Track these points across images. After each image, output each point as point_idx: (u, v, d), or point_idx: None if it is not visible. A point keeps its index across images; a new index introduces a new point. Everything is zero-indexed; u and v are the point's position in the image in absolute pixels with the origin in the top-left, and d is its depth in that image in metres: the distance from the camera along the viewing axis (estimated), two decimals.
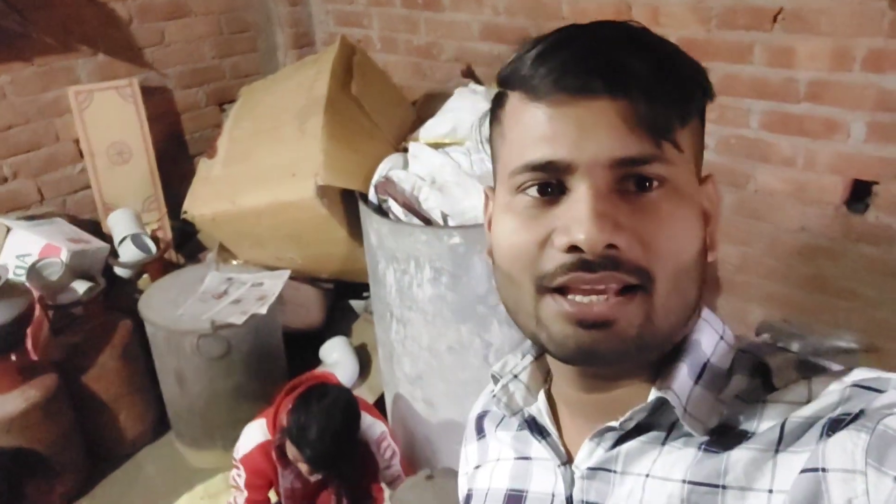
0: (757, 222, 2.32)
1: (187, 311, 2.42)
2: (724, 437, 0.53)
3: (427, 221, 2.06)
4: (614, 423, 0.56)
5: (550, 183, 0.52)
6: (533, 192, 0.53)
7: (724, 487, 0.51)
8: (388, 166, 2.19)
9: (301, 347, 2.75)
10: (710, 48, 2.22)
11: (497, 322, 2.05)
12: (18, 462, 1.65)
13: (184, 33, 3.25)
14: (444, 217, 2.05)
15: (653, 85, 0.49)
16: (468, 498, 0.70)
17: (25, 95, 2.81)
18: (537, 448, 0.63)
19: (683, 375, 0.55)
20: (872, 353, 1.63)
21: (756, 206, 2.31)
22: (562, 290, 0.51)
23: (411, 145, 2.25)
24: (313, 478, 1.83)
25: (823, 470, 0.46)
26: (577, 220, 0.49)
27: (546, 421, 0.62)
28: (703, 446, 0.53)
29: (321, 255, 2.48)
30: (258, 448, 1.91)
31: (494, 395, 0.65)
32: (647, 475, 0.55)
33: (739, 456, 0.51)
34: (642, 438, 0.56)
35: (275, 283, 2.54)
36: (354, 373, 2.67)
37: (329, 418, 1.73)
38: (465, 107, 2.38)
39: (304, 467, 1.78)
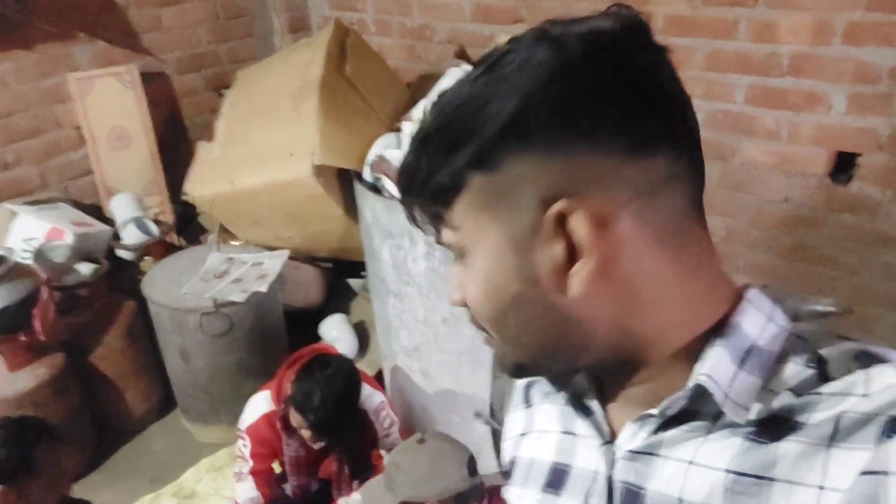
0: (742, 194, 2.38)
1: (190, 290, 2.49)
2: (774, 427, 0.50)
3: None
4: (654, 411, 0.54)
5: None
6: None
7: (771, 480, 0.49)
8: (382, 145, 2.25)
9: (301, 325, 2.83)
10: (696, 25, 2.27)
11: None
12: (27, 429, 1.73)
13: (180, 19, 3.29)
14: None
15: (409, 195, 0.56)
16: (512, 464, 0.71)
17: (26, 82, 2.86)
18: (581, 425, 0.62)
19: (724, 360, 0.52)
20: (848, 315, 1.69)
21: (741, 178, 2.37)
22: None
23: (405, 125, 2.31)
24: (316, 446, 1.90)
25: (885, 473, 0.44)
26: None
27: (591, 399, 0.62)
28: (750, 436, 0.51)
29: (319, 234, 2.55)
30: (263, 418, 1.98)
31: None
32: (690, 462, 0.53)
33: (789, 448, 0.49)
34: (685, 427, 0.54)
35: (274, 262, 2.61)
36: (353, 349, 2.74)
37: (331, 386, 1.81)
38: None
39: (307, 434, 1.86)
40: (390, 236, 2.11)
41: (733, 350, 0.52)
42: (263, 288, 2.47)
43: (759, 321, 0.54)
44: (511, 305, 0.54)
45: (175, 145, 3.30)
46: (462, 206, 0.53)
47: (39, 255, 2.53)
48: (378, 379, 2.53)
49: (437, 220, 0.55)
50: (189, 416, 2.74)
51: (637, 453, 0.56)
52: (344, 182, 2.39)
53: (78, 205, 3.01)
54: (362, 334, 2.83)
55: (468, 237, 0.54)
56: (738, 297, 0.55)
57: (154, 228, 2.92)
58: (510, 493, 0.70)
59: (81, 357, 2.57)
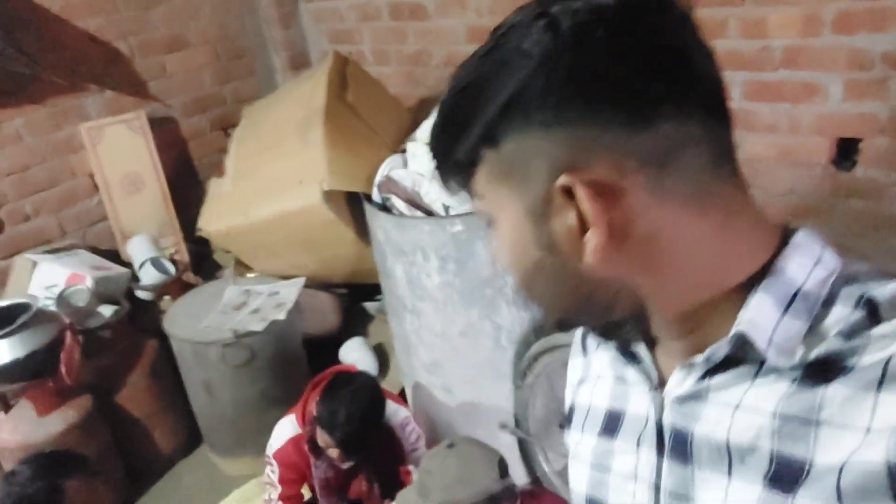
0: None
1: (210, 324, 2.53)
2: (821, 370, 0.50)
3: (429, 214, 2.16)
4: (698, 359, 0.55)
5: None
6: None
7: (817, 422, 0.49)
8: (388, 167, 2.30)
9: (321, 353, 2.85)
10: None
11: (505, 304, 2.14)
12: (59, 463, 1.76)
13: (183, 64, 3.39)
14: (446, 208, 2.14)
15: (438, 170, 0.59)
16: (571, 411, 0.73)
17: (40, 135, 2.94)
18: (631, 372, 0.64)
19: (767, 306, 0.52)
20: None
21: (745, 173, 2.37)
22: None
23: (409, 145, 2.36)
24: (345, 465, 1.91)
25: None
26: None
27: (639, 347, 0.63)
28: (797, 379, 0.51)
29: (332, 259, 2.59)
30: (290, 442, 2.00)
31: None
32: (737, 406, 0.53)
33: (836, 391, 0.48)
34: (731, 372, 0.54)
35: (291, 290, 2.64)
36: (374, 371, 2.76)
37: (356, 401, 1.83)
38: None
39: (334, 453, 1.87)
40: (402, 253, 2.14)
41: (776, 295, 0.52)
42: (282, 316, 2.51)
43: (806, 265, 0.54)
44: (535, 270, 0.56)
45: (186, 186, 3.37)
46: (482, 178, 0.56)
47: (61, 299, 2.59)
48: (400, 398, 2.55)
49: (467, 190, 0.58)
50: (216, 449, 2.76)
51: (685, 398, 0.57)
52: (354, 206, 2.44)
53: (96, 251, 3.08)
54: (381, 356, 2.85)
55: (493, 206, 0.57)
56: (784, 242, 0.55)
57: (171, 267, 2.97)
58: (570, 437, 0.72)
59: (108, 398, 2.60)
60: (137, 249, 3.00)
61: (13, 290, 2.73)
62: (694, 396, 0.56)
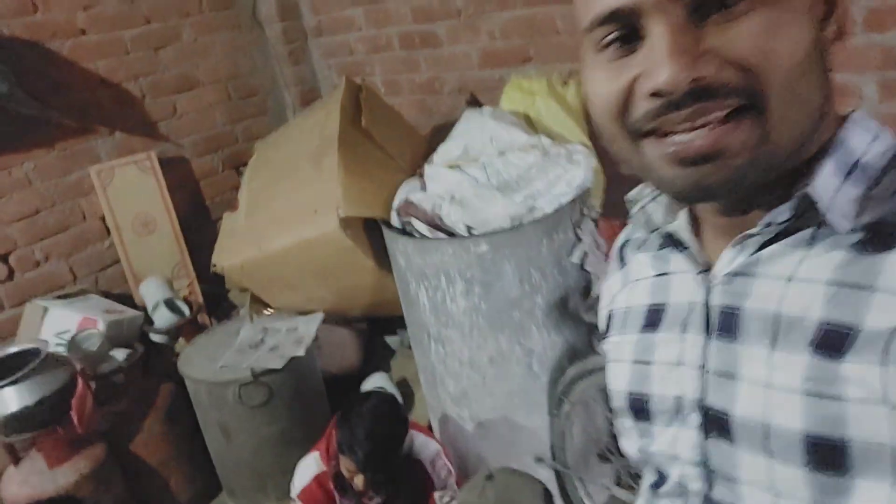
0: None
1: (227, 363, 2.43)
2: (878, 238, 0.51)
3: (451, 236, 2.06)
4: (755, 230, 0.56)
5: (626, 33, 0.52)
6: (612, 45, 0.53)
7: (872, 288, 0.49)
8: (406, 190, 2.22)
9: (342, 391, 2.73)
10: None
11: (535, 327, 2.02)
12: None
13: (194, 104, 3.35)
14: (469, 229, 2.05)
15: None
16: (609, 319, 0.74)
17: (49, 179, 2.90)
18: (676, 261, 0.65)
19: (828, 173, 0.53)
20: None
21: None
22: (660, 132, 0.51)
23: (426, 168, 2.27)
24: (372, 502, 1.79)
25: None
26: (655, 63, 0.49)
27: (685, 235, 0.63)
28: (853, 247, 0.52)
29: (351, 289, 2.49)
30: (314, 480, 1.88)
31: (632, 218, 0.69)
32: (790, 278, 0.54)
33: (894, 259, 0.49)
34: (786, 241, 0.55)
35: (310, 325, 2.54)
36: None
37: (375, 417, 1.76)
38: (474, 127, 2.42)
39: (360, 482, 1.75)
40: (425, 278, 2.04)
41: (838, 164, 0.54)
42: (301, 352, 2.40)
43: (865, 138, 0.55)
44: (805, 64, 0.51)
45: (198, 226, 3.30)
46: None
47: (73, 344, 2.50)
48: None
49: None
50: (235, 497, 2.62)
51: (734, 275, 0.58)
52: (371, 234, 2.35)
53: (108, 295, 3.00)
54: (405, 391, 2.73)
55: None
56: (842, 119, 0.57)
57: (185, 308, 2.89)
58: (607, 344, 0.73)
59: (122, 446, 2.48)
60: (150, 291, 2.92)
61: (24, 338, 2.64)
62: (744, 273, 0.57)
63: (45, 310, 2.71)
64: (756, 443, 0.55)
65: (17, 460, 2.38)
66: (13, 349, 2.38)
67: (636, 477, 2.07)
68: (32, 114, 2.74)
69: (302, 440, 2.38)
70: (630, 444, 0.70)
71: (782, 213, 0.54)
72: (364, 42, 3.38)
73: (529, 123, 2.49)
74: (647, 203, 0.68)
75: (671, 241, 0.65)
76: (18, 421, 2.23)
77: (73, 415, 2.34)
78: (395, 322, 2.81)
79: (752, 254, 0.56)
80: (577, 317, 2.04)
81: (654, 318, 0.66)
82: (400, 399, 2.65)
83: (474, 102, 3.02)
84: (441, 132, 2.83)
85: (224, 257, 2.56)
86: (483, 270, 1.95)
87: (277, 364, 2.36)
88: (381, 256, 2.33)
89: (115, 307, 2.83)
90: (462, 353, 2.09)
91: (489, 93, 2.96)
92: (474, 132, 2.39)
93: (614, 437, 2.18)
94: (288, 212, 2.38)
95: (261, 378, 2.35)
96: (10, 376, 2.20)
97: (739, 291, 0.57)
